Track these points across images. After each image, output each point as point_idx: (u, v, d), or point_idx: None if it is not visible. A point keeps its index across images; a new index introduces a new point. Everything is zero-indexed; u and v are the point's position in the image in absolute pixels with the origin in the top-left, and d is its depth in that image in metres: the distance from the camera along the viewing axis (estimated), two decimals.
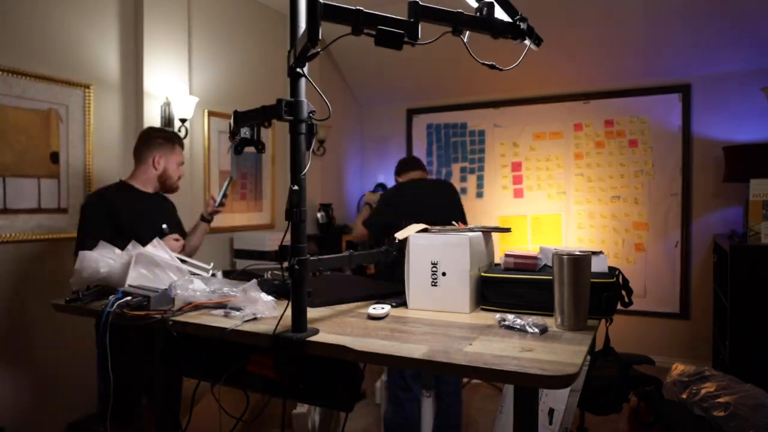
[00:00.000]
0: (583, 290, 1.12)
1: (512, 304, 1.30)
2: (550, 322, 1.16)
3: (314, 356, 1.06)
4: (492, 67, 1.18)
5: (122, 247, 1.89)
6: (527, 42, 1.21)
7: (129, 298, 1.33)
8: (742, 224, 3.45)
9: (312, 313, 1.25)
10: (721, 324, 3.54)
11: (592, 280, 1.16)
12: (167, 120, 3.16)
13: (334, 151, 4.94)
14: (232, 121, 1.25)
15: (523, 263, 1.36)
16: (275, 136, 4.10)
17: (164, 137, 2.34)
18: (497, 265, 1.49)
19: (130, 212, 2.16)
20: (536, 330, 1.08)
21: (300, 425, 2.62)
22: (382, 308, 1.28)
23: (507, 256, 1.39)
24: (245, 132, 1.23)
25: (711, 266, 3.97)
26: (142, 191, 2.29)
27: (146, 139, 2.33)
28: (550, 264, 1.40)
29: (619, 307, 1.25)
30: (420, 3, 1.03)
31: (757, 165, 3.38)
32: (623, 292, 1.30)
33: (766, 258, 2.94)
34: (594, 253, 1.32)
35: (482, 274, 1.34)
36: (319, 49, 1.00)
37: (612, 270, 1.33)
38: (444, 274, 1.33)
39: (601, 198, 4.36)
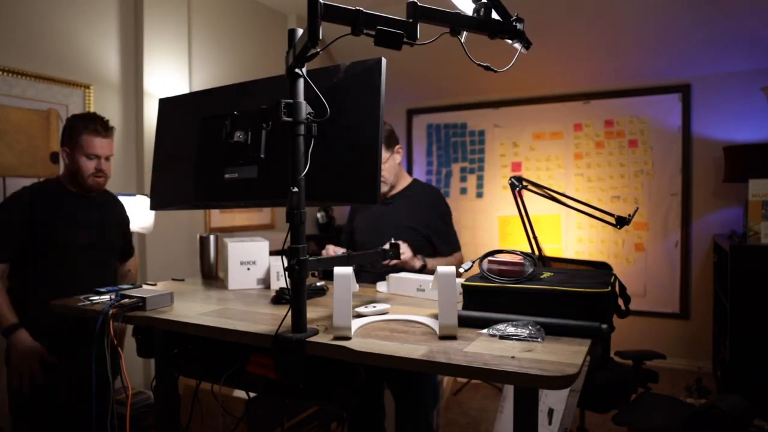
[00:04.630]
0: None
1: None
2: None
3: (314, 356, 1.06)
4: (487, 68, 1.19)
5: (38, 256, 1.86)
6: (517, 45, 1.21)
7: (125, 300, 1.35)
8: (742, 224, 3.45)
9: (312, 313, 1.25)
10: (721, 324, 3.54)
11: (585, 289, 1.08)
12: None
13: None
14: (228, 123, 1.20)
15: (509, 270, 1.19)
16: None
17: (68, 123, 1.95)
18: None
19: (45, 214, 1.88)
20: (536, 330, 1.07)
21: None
22: (374, 307, 1.28)
23: (491, 262, 1.23)
24: (239, 135, 1.16)
25: (711, 266, 3.97)
26: (67, 190, 1.96)
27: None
28: (538, 271, 1.24)
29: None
30: (418, 4, 1.03)
31: (757, 165, 3.39)
32: (620, 301, 1.21)
33: (766, 258, 2.94)
34: (597, 265, 1.27)
35: (464, 282, 1.20)
36: (319, 50, 1.00)
37: (607, 275, 1.22)
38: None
39: (601, 198, 4.36)
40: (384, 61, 1.19)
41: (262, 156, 1.19)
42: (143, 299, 1.34)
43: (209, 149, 1.40)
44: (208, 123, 1.39)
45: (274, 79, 1.36)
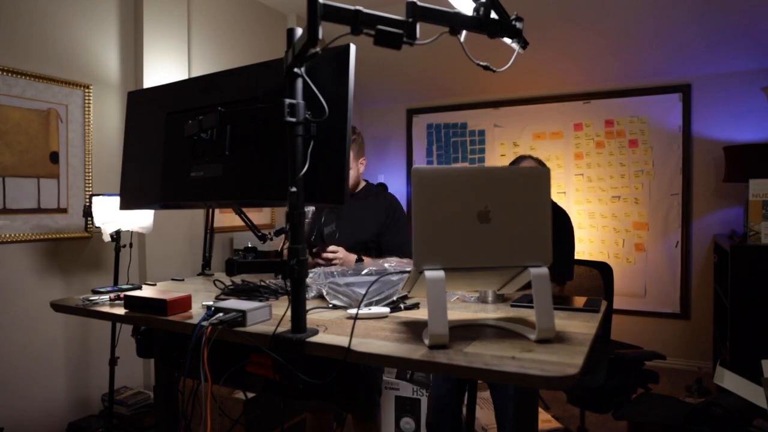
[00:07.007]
0: None
1: None
2: None
3: (314, 356, 1.06)
4: (486, 68, 1.18)
5: None
6: (515, 45, 1.21)
7: (221, 314, 1.16)
8: (742, 224, 3.44)
9: (311, 313, 1.25)
10: (721, 324, 3.54)
11: None
12: None
13: None
14: (216, 119, 1.15)
15: None
16: None
17: None
18: None
19: None
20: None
21: None
22: (369, 309, 1.28)
23: None
24: (207, 133, 1.11)
25: (711, 266, 3.97)
26: None
27: None
28: None
29: (618, 306, 1.23)
30: (418, 3, 1.03)
31: (757, 165, 3.38)
32: None
33: (766, 258, 2.93)
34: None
35: None
36: (318, 49, 1.00)
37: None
38: None
39: (601, 198, 4.36)
40: (353, 47, 1.09)
41: (227, 153, 1.14)
42: (243, 313, 1.15)
43: (176, 146, 1.33)
44: (174, 118, 1.33)
45: (236, 70, 1.30)
